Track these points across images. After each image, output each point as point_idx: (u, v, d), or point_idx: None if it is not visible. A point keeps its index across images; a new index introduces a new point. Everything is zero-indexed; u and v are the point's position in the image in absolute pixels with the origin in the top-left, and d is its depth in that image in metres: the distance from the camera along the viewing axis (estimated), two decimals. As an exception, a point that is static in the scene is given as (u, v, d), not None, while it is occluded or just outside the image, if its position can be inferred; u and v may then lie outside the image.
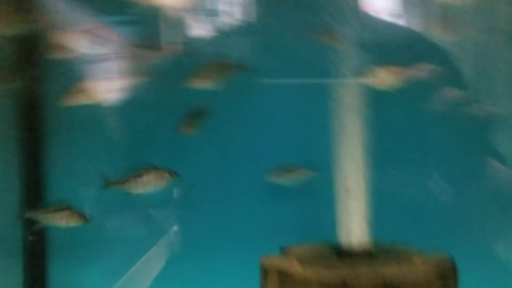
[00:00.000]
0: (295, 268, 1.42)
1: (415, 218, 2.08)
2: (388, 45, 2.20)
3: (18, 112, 2.22)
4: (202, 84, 1.99)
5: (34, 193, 2.22)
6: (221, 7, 2.45)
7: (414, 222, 2.07)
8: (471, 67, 2.21)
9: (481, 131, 2.07)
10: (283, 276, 1.37)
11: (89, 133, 2.25)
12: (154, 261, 2.40)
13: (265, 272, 1.43)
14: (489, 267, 2.09)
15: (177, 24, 2.39)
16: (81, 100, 1.92)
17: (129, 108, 2.15)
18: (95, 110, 2.10)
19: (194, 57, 2.12)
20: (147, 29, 2.32)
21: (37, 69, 2.11)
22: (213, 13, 2.43)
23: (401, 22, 2.36)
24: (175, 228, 2.51)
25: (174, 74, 2.09)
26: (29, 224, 2.18)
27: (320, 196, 1.85)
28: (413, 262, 1.46)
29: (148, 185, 1.92)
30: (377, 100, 1.63)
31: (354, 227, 1.56)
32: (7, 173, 2.21)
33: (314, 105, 2.11)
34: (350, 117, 1.59)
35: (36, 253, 2.24)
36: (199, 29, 2.41)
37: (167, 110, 2.18)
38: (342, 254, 1.54)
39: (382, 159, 1.97)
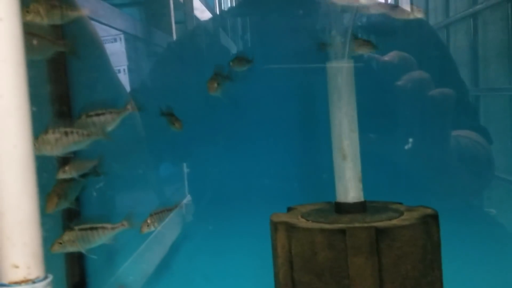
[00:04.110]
0: (300, 221, 1.67)
1: (398, 178, 2.32)
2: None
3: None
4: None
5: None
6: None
7: (398, 182, 2.31)
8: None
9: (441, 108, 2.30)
10: (290, 227, 1.61)
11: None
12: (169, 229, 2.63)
13: (274, 226, 1.66)
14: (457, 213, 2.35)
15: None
16: None
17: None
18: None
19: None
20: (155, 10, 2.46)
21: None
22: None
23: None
24: (186, 199, 2.74)
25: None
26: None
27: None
28: (402, 214, 1.70)
29: None
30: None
31: (350, 188, 1.78)
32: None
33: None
34: (344, 94, 1.77)
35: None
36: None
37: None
38: (340, 211, 1.77)
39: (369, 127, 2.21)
